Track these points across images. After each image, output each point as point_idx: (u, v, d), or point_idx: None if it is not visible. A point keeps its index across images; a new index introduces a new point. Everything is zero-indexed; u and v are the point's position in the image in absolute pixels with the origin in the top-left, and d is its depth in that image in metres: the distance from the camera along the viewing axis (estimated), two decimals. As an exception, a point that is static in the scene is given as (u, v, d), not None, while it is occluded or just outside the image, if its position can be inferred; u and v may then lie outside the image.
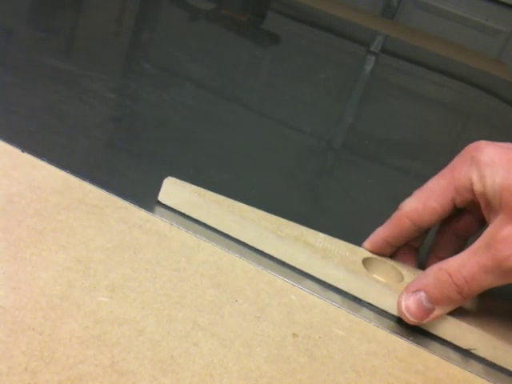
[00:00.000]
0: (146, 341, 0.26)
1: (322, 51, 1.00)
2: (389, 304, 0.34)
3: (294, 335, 0.30)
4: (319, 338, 0.30)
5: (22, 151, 0.37)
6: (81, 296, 0.27)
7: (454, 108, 0.93)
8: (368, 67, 1.01)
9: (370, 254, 0.36)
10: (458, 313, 0.33)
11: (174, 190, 0.36)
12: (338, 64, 0.95)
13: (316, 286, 0.34)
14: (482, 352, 0.33)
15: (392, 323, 0.33)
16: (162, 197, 0.36)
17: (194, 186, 0.36)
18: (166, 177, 0.37)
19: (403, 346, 0.32)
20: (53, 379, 0.22)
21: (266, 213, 0.37)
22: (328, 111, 0.69)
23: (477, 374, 0.32)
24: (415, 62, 1.14)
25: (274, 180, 0.46)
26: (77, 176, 0.36)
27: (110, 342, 0.25)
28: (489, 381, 0.32)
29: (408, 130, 0.72)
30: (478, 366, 0.32)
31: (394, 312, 0.34)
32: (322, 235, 0.37)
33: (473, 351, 0.33)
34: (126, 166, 0.40)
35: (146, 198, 0.37)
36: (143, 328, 0.27)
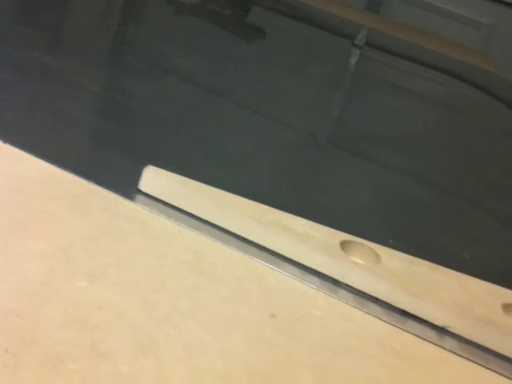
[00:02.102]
0: (126, 324, 0.27)
1: (307, 45, 1.00)
2: (366, 285, 0.35)
3: (273, 316, 0.31)
4: (297, 319, 0.31)
5: (4, 142, 0.37)
6: (62, 282, 0.28)
7: (439, 101, 0.93)
8: (353, 60, 1.02)
9: (348, 237, 0.37)
10: (433, 291, 0.34)
11: (154, 179, 0.37)
12: (324, 58, 0.96)
13: (295, 270, 0.35)
14: (456, 329, 0.34)
15: (369, 304, 0.34)
16: (143, 185, 0.37)
17: (174, 175, 0.37)
18: (148, 165, 0.37)
19: (380, 325, 0.33)
20: (33, 360, 0.23)
21: (246, 199, 0.37)
22: (314, 105, 0.70)
23: (452, 351, 0.33)
24: (400, 55, 1.15)
25: (259, 172, 0.47)
26: (60, 167, 0.37)
27: (90, 325, 0.26)
28: (463, 357, 0.33)
29: (393, 123, 0.73)
30: (453, 343, 0.33)
31: (372, 293, 0.34)
32: (301, 220, 0.37)
33: (448, 329, 0.34)
34: (108, 157, 0.41)
35: (128, 188, 0.37)
36: (123, 312, 0.27)
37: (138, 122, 0.48)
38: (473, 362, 0.33)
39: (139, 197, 0.37)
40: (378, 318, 0.33)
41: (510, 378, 0.32)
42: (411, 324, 0.34)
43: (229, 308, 0.30)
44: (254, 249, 0.36)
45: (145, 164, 0.38)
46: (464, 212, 0.53)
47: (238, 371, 0.26)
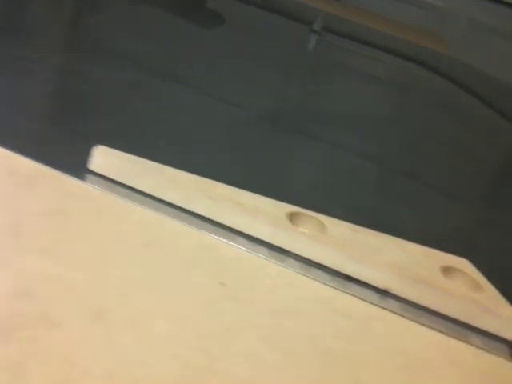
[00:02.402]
0: (75, 294, 0.28)
1: (265, 31, 1.01)
2: (312, 253, 0.36)
3: (222, 284, 0.32)
4: (246, 286, 0.32)
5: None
6: (10, 257, 0.28)
7: (394, 83, 0.96)
8: (311, 45, 1.03)
9: (294, 209, 0.38)
10: (375, 256, 0.36)
11: (104, 158, 0.37)
12: (281, 43, 0.97)
13: (244, 241, 0.36)
14: (397, 291, 0.35)
15: (315, 270, 0.36)
16: (93, 165, 0.38)
17: (124, 153, 0.38)
18: (96, 144, 0.38)
19: (325, 289, 0.34)
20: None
21: (195, 175, 0.38)
22: (269, 88, 0.71)
23: (393, 311, 0.34)
24: (357, 39, 1.17)
25: (209, 151, 0.48)
26: (6, 148, 0.37)
27: (40, 297, 0.27)
28: (404, 316, 0.34)
29: (346, 104, 0.74)
30: (395, 304, 0.35)
31: (317, 260, 0.36)
32: (249, 194, 0.38)
33: (389, 291, 0.36)
34: (58, 139, 0.41)
35: (78, 168, 0.38)
36: (73, 283, 0.28)
37: (88, 104, 0.49)
38: (413, 320, 0.35)
39: (89, 176, 0.38)
40: (324, 283, 0.35)
41: (447, 335, 0.34)
42: (355, 287, 0.35)
43: (179, 277, 0.31)
44: (203, 223, 0.37)
45: (94, 144, 0.38)
46: (406, 184, 0.56)
47: (186, 334, 0.27)
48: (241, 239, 0.36)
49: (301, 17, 1.19)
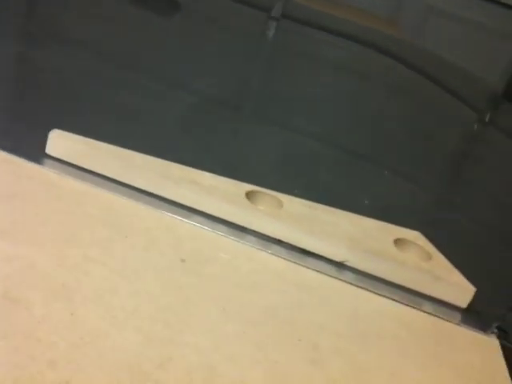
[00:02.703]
0: (37, 273, 0.28)
1: (223, 18, 1.01)
2: (269, 229, 0.37)
3: (182, 261, 0.33)
4: (206, 262, 0.33)
5: None
6: (-30, 238, 0.28)
7: (352, 69, 0.97)
8: (270, 33, 1.04)
9: (252, 188, 0.39)
10: (330, 230, 0.37)
11: (60, 142, 0.38)
12: (240, 30, 0.97)
13: (204, 220, 0.37)
14: (353, 263, 0.37)
15: (273, 246, 0.37)
16: (50, 149, 0.38)
17: (80, 137, 0.38)
18: (53, 128, 0.38)
19: (282, 263, 0.35)
20: None
21: (153, 157, 0.39)
22: (229, 73, 0.71)
23: (349, 282, 0.36)
24: (315, 25, 1.18)
25: (168, 134, 0.48)
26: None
27: (1, 275, 0.27)
28: (359, 287, 0.36)
29: (307, 90, 0.75)
30: (351, 276, 0.36)
31: (275, 235, 0.37)
32: (207, 174, 0.39)
33: (345, 263, 0.37)
34: (13, 124, 0.41)
35: (35, 152, 0.38)
36: (34, 262, 0.28)
37: (41, 89, 0.48)
38: (368, 291, 0.36)
39: (47, 160, 0.38)
40: (281, 258, 0.36)
41: (401, 303, 0.36)
42: (312, 261, 0.37)
43: (140, 255, 0.32)
44: (162, 203, 0.37)
45: (50, 128, 0.38)
46: (363, 166, 0.57)
47: (148, 308, 0.28)
48: (200, 218, 0.37)
49: (259, 4, 1.19)
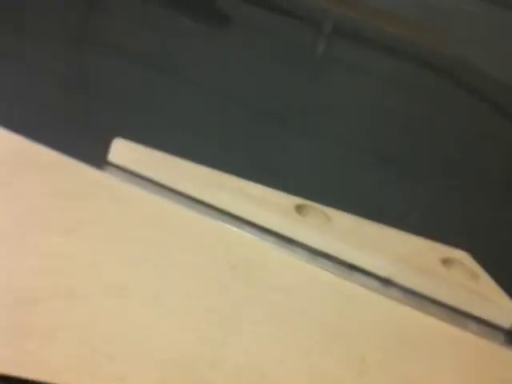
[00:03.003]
0: (98, 271, 0.30)
1: (273, 32, 1.03)
2: (317, 242, 0.38)
3: (233, 268, 0.34)
4: (255, 269, 0.34)
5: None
6: (38, 237, 0.30)
7: (398, 83, 0.97)
8: (320, 47, 1.05)
9: (301, 201, 0.40)
10: (377, 246, 0.38)
11: (122, 150, 0.40)
12: (290, 44, 0.99)
13: (253, 230, 0.38)
14: (399, 279, 0.37)
15: (320, 259, 0.38)
16: (112, 157, 0.40)
17: (140, 146, 0.40)
18: (115, 137, 0.40)
19: (329, 276, 0.36)
20: (7, 301, 0.26)
21: (207, 168, 0.41)
22: (277, 86, 0.73)
23: (395, 299, 0.36)
24: (364, 40, 1.18)
25: (219, 148, 0.50)
26: (32, 140, 0.39)
27: (66, 273, 0.29)
28: (405, 304, 0.36)
29: (353, 103, 0.76)
30: (397, 293, 0.37)
31: (322, 249, 0.38)
32: (258, 186, 0.40)
33: (392, 279, 0.37)
34: (77, 132, 0.44)
35: (97, 159, 0.40)
36: (96, 261, 0.30)
37: (100, 98, 0.51)
38: (414, 307, 0.36)
39: (108, 167, 0.40)
40: (329, 271, 0.37)
41: (446, 321, 0.36)
42: (358, 276, 0.37)
43: (192, 259, 0.33)
44: (215, 212, 0.39)
45: (112, 137, 0.40)
46: (406, 179, 0.58)
47: (200, 310, 0.29)
48: (250, 228, 0.38)
49: (310, 18, 1.21)
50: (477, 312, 0.37)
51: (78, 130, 0.44)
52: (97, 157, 0.40)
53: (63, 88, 0.51)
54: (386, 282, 0.37)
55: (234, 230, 0.37)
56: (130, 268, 0.31)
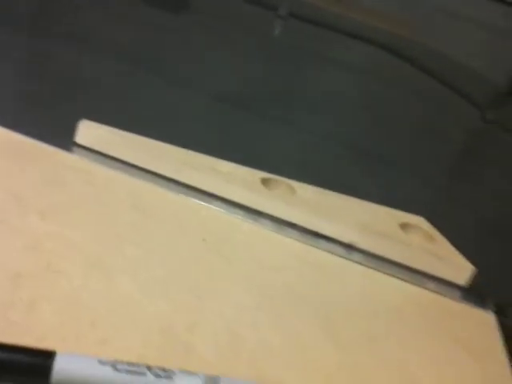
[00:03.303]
0: (76, 249, 0.31)
1: (229, 17, 1.04)
2: (283, 213, 0.40)
3: (204, 240, 0.35)
4: (225, 241, 0.36)
5: None
6: (16, 220, 0.31)
7: (357, 68, 0.99)
8: (277, 31, 1.06)
9: (266, 175, 0.42)
10: (340, 214, 0.40)
11: (89, 131, 0.41)
12: (247, 29, 1.00)
13: (222, 204, 0.40)
14: (361, 245, 0.40)
15: (287, 229, 0.40)
16: (79, 138, 0.41)
17: (107, 127, 0.41)
18: (81, 119, 0.41)
19: (295, 245, 0.38)
20: (-2, 275, 0.27)
21: (175, 147, 0.42)
22: (237, 73, 0.74)
23: (358, 263, 0.39)
24: (321, 24, 1.20)
25: (186, 126, 0.51)
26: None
27: (45, 251, 0.30)
28: (368, 266, 0.39)
29: (312, 89, 0.78)
30: (360, 256, 0.39)
31: (288, 219, 0.40)
32: (224, 162, 0.42)
33: (354, 245, 0.40)
34: (43, 115, 0.44)
35: (65, 141, 0.41)
36: (74, 240, 0.31)
37: (67, 82, 0.51)
38: (376, 270, 0.39)
39: (76, 149, 0.41)
40: (295, 239, 0.39)
41: (406, 281, 0.39)
42: (323, 243, 0.39)
43: (166, 234, 0.35)
44: (184, 189, 0.40)
45: (79, 118, 0.41)
46: (373, 161, 0.60)
47: (175, 279, 0.31)
48: (219, 203, 0.40)
49: (266, 2, 1.22)
50: (434, 272, 0.40)
51: (44, 115, 0.45)
52: (63, 139, 0.41)
53: (26, 75, 0.51)
54: (349, 247, 0.40)
55: (203, 205, 0.39)
56: (106, 244, 0.32)
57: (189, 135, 0.49)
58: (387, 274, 0.39)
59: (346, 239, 0.40)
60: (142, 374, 0.23)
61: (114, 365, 0.23)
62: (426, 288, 0.39)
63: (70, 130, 0.41)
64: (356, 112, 0.74)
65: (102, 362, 0.23)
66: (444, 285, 0.40)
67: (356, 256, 0.39)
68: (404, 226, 0.42)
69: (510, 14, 1.38)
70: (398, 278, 0.39)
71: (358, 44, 1.13)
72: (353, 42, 1.12)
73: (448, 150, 0.73)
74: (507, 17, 1.37)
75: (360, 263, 0.39)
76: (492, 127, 0.90)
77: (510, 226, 0.55)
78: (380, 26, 1.26)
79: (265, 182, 0.42)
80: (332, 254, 0.39)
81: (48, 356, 0.23)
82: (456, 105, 0.94)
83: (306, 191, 0.42)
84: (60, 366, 0.22)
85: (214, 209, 0.39)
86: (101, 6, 0.80)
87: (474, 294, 0.39)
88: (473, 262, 0.40)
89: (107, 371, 0.23)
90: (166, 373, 0.23)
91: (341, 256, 0.39)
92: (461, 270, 0.40)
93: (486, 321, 0.38)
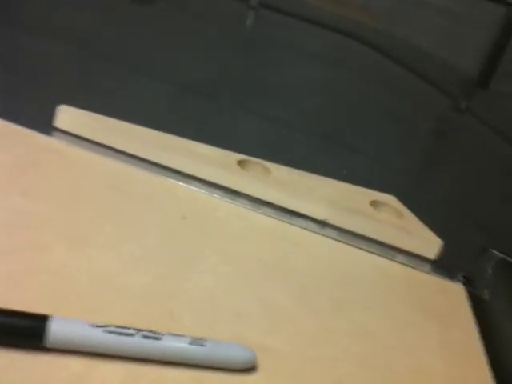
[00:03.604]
0: (58, 226, 0.32)
1: (200, 7, 1.05)
2: (259, 192, 0.41)
3: (183, 217, 0.37)
4: (203, 218, 0.37)
5: None
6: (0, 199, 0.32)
7: (326, 57, 1.01)
8: (248, 22, 1.07)
9: (242, 157, 0.43)
10: (313, 193, 0.41)
11: (68, 116, 0.41)
12: (218, 19, 1.01)
13: (200, 185, 0.41)
14: (334, 221, 0.41)
15: (262, 207, 0.41)
16: (58, 123, 0.42)
17: (85, 111, 0.42)
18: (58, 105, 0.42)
19: (271, 221, 0.40)
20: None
21: (152, 130, 0.43)
22: (207, 63, 0.75)
23: (331, 238, 0.40)
24: (291, 14, 1.22)
25: (161, 113, 0.52)
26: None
27: (29, 228, 0.31)
28: (339, 241, 0.40)
29: (283, 78, 0.79)
30: (332, 232, 0.41)
31: (264, 198, 0.41)
32: (201, 145, 0.43)
33: (327, 221, 0.41)
34: (22, 101, 0.45)
35: (44, 125, 0.41)
36: (55, 217, 0.32)
37: (44, 68, 0.52)
38: (348, 244, 0.40)
39: (55, 133, 0.42)
40: (270, 217, 0.40)
41: (377, 255, 0.40)
42: (297, 220, 0.41)
43: (145, 213, 0.36)
44: (163, 170, 0.41)
45: (57, 104, 0.42)
46: (341, 148, 0.62)
47: (155, 255, 0.32)
48: (197, 183, 0.41)
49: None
50: (404, 246, 0.42)
51: (24, 101, 0.45)
52: (43, 123, 0.42)
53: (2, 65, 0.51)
54: (322, 223, 0.41)
55: (181, 186, 0.40)
56: (86, 222, 0.33)
57: (165, 122, 0.50)
58: (359, 248, 0.40)
59: (319, 216, 0.41)
60: (132, 335, 0.24)
61: (105, 328, 0.24)
62: (395, 261, 0.40)
63: (49, 115, 0.42)
64: (323, 101, 0.76)
65: (93, 325, 0.24)
66: (413, 258, 0.42)
67: (329, 232, 0.41)
68: (374, 204, 0.44)
69: (477, 2, 1.41)
70: (369, 251, 0.40)
71: (324, 32, 1.14)
72: (320, 31, 1.14)
73: (418, 138, 0.76)
74: (474, 6, 1.40)
75: (333, 238, 0.40)
76: (460, 115, 0.93)
77: (473, 205, 0.58)
78: (346, 13, 1.28)
79: (241, 163, 0.43)
80: (306, 229, 0.40)
81: (43, 319, 0.24)
82: (426, 94, 0.96)
83: (281, 172, 0.43)
84: (54, 328, 0.23)
85: (193, 189, 0.40)
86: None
87: (442, 266, 0.41)
88: (441, 237, 0.42)
89: (99, 333, 0.24)
90: (155, 334, 0.25)
91: (314, 232, 0.40)
92: (430, 244, 0.42)
93: (454, 291, 0.40)
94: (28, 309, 0.25)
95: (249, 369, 0.26)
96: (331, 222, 0.41)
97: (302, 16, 1.20)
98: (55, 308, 0.26)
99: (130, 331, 0.24)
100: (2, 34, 0.58)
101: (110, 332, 0.24)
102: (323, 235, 0.40)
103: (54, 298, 0.27)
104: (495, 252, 0.43)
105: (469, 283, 0.41)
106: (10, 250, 0.29)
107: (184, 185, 0.40)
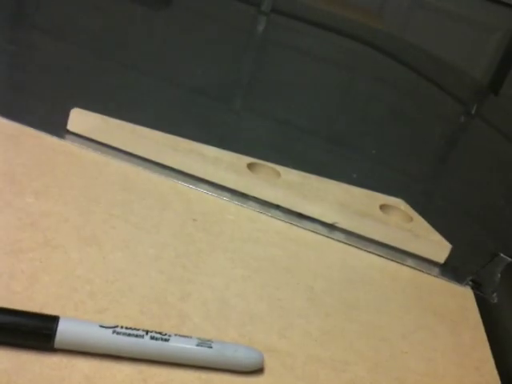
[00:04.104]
0: (71, 225, 0.32)
1: (212, 13, 1.05)
2: (269, 195, 0.42)
3: (194, 220, 0.37)
4: (214, 221, 0.38)
5: None
6: (11, 198, 0.33)
7: (337, 61, 1.02)
8: (260, 27, 1.08)
9: (252, 160, 0.44)
10: (322, 196, 0.42)
11: (80, 119, 0.42)
12: (230, 25, 1.02)
13: (210, 188, 0.42)
14: (342, 224, 0.41)
15: (272, 210, 0.41)
16: (71, 125, 0.42)
17: (97, 114, 0.42)
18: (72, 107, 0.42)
19: (280, 224, 0.40)
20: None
21: (163, 133, 0.43)
22: (220, 68, 0.76)
23: (340, 241, 0.40)
24: (302, 19, 1.22)
25: (172, 113, 0.53)
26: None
27: (42, 228, 0.31)
28: (348, 244, 0.40)
29: (294, 83, 0.80)
30: (341, 235, 0.41)
31: (273, 201, 0.42)
32: (211, 148, 0.44)
33: (336, 224, 0.41)
34: (36, 103, 0.46)
35: (57, 128, 0.42)
36: (67, 218, 0.33)
37: (57, 71, 0.53)
38: (357, 247, 0.41)
39: (68, 135, 0.42)
40: (280, 220, 0.40)
41: (386, 258, 0.41)
42: (306, 223, 0.41)
43: (157, 214, 0.36)
44: (173, 173, 0.42)
45: (70, 106, 0.43)
46: (352, 151, 0.62)
47: (168, 255, 0.33)
48: (207, 186, 0.42)
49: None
50: (413, 249, 0.42)
51: (37, 103, 0.46)
52: (57, 126, 0.42)
53: (14, 65, 0.52)
54: (331, 226, 0.41)
55: (191, 189, 0.41)
56: (99, 222, 0.33)
57: (177, 125, 0.51)
58: (368, 251, 0.41)
59: (328, 219, 0.41)
60: (140, 336, 0.25)
61: (114, 329, 0.25)
62: (405, 264, 0.41)
63: (63, 118, 0.43)
64: (333, 104, 0.76)
65: (102, 326, 0.25)
66: (422, 262, 0.42)
67: (338, 235, 0.41)
68: (383, 207, 0.44)
69: (488, 8, 1.40)
70: (377, 255, 0.41)
71: (335, 37, 1.14)
72: (332, 36, 1.14)
73: (426, 140, 0.76)
74: (486, 12, 1.40)
75: (341, 241, 0.40)
76: (471, 120, 0.93)
77: (483, 209, 0.58)
78: (357, 18, 1.28)
79: (251, 166, 0.43)
80: (315, 233, 0.40)
81: (52, 320, 0.24)
82: (437, 99, 0.96)
83: (291, 175, 0.44)
84: (63, 329, 0.24)
85: (203, 192, 0.41)
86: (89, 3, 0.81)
87: (451, 270, 0.42)
88: (450, 241, 0.42)
89: (107, 334, 0.24)
90: (163, 335, 0.25)
91: (323, 235, 0.41)
92: (439, 247, 0.42)
93: (463, 294, 0.40)
94: (39, 308, 0.26)
95: (256, 370, 0.27)
96: (340, 225, 0.41)
97: (312, 21, 1.20)
98: (66, 306, 0.26)
99: (139, 332, 0.25)
100: (16, 36, 0.59)
101: (119, 333, 0.24)
102: (332, 238, 0.40)
103: (66, 297, 0.27)
104: (504, 256, 0.43)
105: (477, 287, 0.41)
106: (23, 250, 0.29)
107: (195, 187, 0.41)
